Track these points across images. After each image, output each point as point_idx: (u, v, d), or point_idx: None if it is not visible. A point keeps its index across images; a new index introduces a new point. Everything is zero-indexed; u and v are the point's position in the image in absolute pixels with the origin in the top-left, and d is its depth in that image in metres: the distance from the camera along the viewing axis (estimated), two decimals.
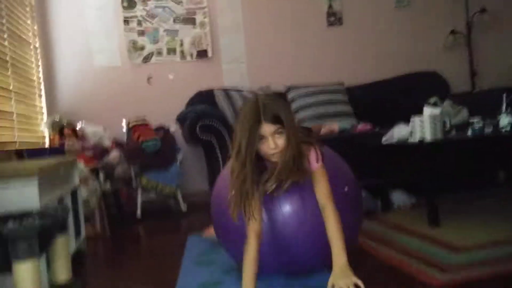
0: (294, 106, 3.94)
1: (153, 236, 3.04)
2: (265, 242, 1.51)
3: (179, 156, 3.71)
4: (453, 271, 1.71)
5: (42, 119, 3.72)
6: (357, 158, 3.11)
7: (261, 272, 1.49)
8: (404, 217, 2.72)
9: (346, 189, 1.70)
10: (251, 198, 1.42)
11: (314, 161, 1.49)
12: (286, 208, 1.57)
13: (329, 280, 1.35)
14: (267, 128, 1.35)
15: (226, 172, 1.89)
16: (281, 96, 3.71)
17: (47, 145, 3.62)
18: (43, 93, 3.83)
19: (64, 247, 1.67)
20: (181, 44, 4.18)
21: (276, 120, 1.36)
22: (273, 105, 1.37)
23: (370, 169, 3.03)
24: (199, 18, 4.20)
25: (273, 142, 1.36)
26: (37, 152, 2.79)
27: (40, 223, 1.47)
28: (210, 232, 2.24)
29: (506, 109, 2.77)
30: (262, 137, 1.38)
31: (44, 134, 3.66)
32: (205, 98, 3.84)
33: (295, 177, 1.45)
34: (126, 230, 3.25)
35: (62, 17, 4.00)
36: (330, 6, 4.43)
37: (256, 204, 1.45)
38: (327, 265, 1.49)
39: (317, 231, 1.55)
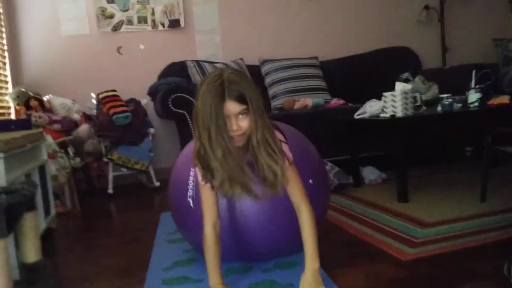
0: (268, 80, 3.91)
1: (125, 212, 3.01)
2: (223, 228, 1.49)
3: (151, 131, 3.64)
4: (422, 245, 1.77)
5: (6, 89, 3.57)
6: (330, 133, 3.18)
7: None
8: (374, 192, 2.78)
9: (310, 181, 1.65)
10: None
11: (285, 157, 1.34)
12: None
13: (300, 283, 1.38)
14: (231, 107, 1.20)
15: (181, 160, 1.80)
16: (253, 70, 3.70)
17: (12, 117, 3.49)
18: (7, 61, 3.66)
19: (32, 225, 1.62)
20: (153, 13, 4.05)
21: (241, 99, 1.21)
22: (240, 82, 1.22)
23: (343, 144, 3.07)
24: None
25: (235, 123, 1.22)
26: (1, 125, 2.68)
27: (7, 200, 1.42)
28: None
29: (475, 85, 2.83)
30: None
31: (9, 105, 3.52)
32: (177, 70, 3.76)
33: (274, 165, 1.28)
34: (97, 206, 3.20)
35: None
36: None
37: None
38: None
39: (276, 215, 1.58)
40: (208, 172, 1.30)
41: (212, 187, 1.36)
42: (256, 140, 1.25)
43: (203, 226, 1.41)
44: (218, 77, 1.21)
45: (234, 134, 1.24)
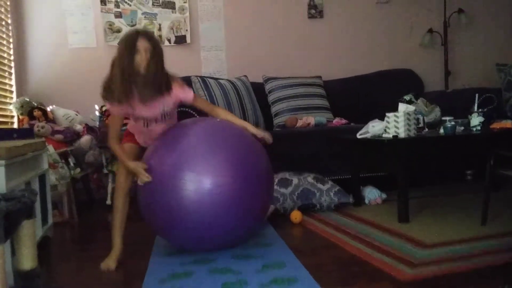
0: (271, 97, 3.93)
1: None
2: (190, 220, 1.84)
3: None
4: (421, 266, 1.75)
5: (11, 98, 3.60)
6: (332, 152, 3.18)
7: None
8: (374, 212, 2.76)
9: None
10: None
11: (185, 93, 2.00)
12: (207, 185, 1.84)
13: None
14: (142, 43, 1.78)
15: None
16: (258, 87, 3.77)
17: (15, 126, 3.51)
18: (13, 71, 3.69)
19: (30, 233, 1.61)
20: (160, 28, 4.10)
21: (151, 40, 1.80)
22: (152, 34, 1.89)
23: (344, 163, 3.07)
24: (178, 2, 4.12)
25: (145, 55, 1.79)
26: (4, 133, 2.69)
27: (6, 207, 1.41)
28: None
29: (477, 109, 2.84)
30: (136, 51, 1.79)
31: (13, 115, 3.54)
32: None
33: (158, 91, 1.87)
34: (95, 217, 3.18)
35: None
36: None
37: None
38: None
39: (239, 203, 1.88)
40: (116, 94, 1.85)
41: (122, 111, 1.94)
42: (150, 69, 1.84)
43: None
44: (137, 29, 1.89)
45: (143, 64, 1.80)
